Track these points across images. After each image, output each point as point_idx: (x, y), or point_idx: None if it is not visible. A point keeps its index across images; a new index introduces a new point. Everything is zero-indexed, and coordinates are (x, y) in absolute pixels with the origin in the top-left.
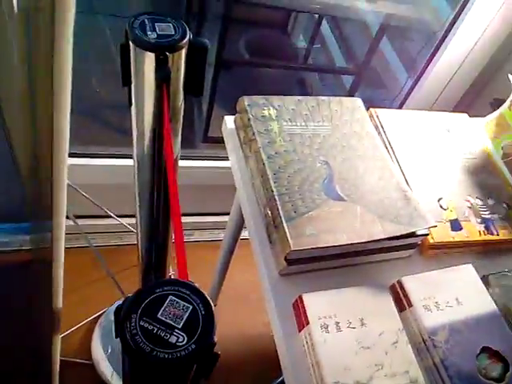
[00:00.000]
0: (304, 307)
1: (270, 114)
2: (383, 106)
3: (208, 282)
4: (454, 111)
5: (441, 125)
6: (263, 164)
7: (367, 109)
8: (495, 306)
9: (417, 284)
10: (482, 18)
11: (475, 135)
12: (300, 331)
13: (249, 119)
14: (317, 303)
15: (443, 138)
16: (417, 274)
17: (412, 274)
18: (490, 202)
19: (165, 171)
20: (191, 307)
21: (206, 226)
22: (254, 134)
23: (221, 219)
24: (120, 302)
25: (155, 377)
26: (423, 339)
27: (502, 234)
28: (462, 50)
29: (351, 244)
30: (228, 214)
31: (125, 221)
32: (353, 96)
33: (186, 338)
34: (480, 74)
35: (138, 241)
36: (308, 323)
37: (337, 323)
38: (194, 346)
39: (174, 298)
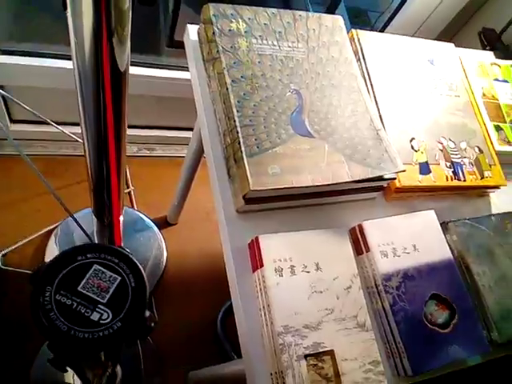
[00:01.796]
0: (259, 249)
1: (238, 28)
2: (368, 24)
3: (170, 199)
4: (438, 38)
5: (424, 55)
6: (227, 88)
7: (348, 29)
8: (450, 254)
9: (377, 229)
10: None
11: (459, 69)
12: (254, 272)
13: (214, 33)
14: (273, 246)
15: (425, 71)
16: (378, 219)
17: (374, 218)
18: (463, 145)
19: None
20: (119, 278)
21: (169, 140)
22: (218, 51)
23: (185, 135)
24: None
25: (75, 355)
26: (376, 284)
27: (469, 181)
28: None
29: (315, 186)
30: (193, 129)
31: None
32: (337, 4)
33: (110, 315)
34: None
35: (85, 152)
36: (262, 265)
37: (292, 267)
38: (119, 324)
39: (99, 267)
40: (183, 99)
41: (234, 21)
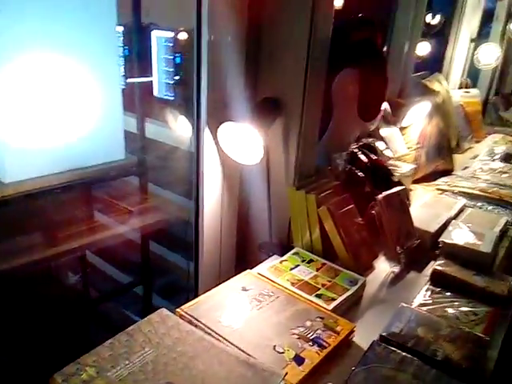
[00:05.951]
0: None
1: (89, 374)
2: None
3: None
4: None
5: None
6: None
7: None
8: None
9: None
10: None
11: (263, 282)
12: None
13: None
14: None
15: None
16: None
17: None
18: (308, 323)
19: None
20: None
21: None
22: None
23: None
24: None
25: None
26: None
27: (332, 343)
28: None
29: None
30: None
31: None
32: None
33: None
34: None
35: None
36: None
37: None
38: None
39: None
40: None
41: (82, 372)
